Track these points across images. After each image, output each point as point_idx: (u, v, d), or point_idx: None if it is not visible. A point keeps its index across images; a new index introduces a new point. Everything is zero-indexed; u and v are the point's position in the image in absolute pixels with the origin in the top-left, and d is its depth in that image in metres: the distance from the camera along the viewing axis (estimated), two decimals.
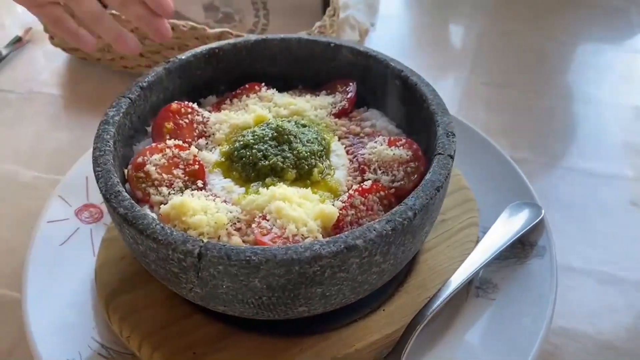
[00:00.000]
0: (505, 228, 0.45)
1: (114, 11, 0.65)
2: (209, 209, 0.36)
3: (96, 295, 0.42)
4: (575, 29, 0.80)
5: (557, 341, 0.44)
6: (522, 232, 0.45)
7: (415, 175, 0.39)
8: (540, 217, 0.46)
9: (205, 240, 0.32)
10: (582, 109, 0.67)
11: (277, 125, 0.41)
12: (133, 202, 0.34)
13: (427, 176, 0.36)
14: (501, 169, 0.52)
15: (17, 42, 0.76)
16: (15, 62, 0.75)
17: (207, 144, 0.43)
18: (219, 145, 0.42)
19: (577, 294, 0.47)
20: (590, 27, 0.81)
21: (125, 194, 0.35)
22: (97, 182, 0.36)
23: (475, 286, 0.44)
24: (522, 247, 0.46)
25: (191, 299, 0.36)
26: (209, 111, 0.46)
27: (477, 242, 0.45)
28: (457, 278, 0.41)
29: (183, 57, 0.46)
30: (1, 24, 0.84)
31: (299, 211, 0.35)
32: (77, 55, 0.72)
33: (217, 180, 0.40)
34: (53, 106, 0.68)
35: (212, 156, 0.41)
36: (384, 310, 0.40)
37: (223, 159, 0.41)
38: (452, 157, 0.37)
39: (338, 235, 0.32)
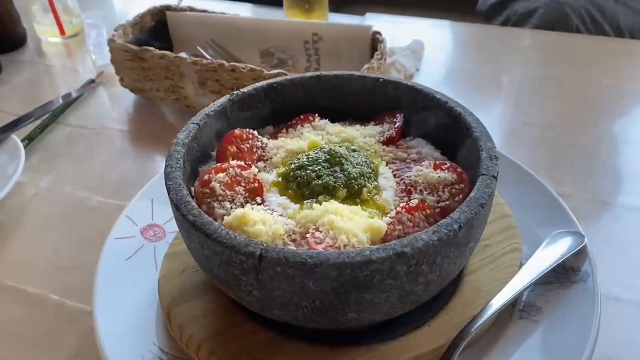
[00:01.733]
0: (548, 254, 0.47)
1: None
2: (267, 220, 0.39)
3: (158, 304, 0.46)
4: (618, 74, 0.82)
5: None
6: (564, 258, 0.46)
7: (460, 196, 0.41)
8: (583, 244, 0.47)
9: (265, 244, 0.35)
10: (624, 149, 0.68)
11: (330, 149, 0.44)
12: (201, 210, 0.38)
13: (472, 194, 0.38)
14: (544, 200, 0.53)
15: (90, 84, 0.84)
16: (89, 102, 0.82)
17: (265, 166, 0.47)
18: (275, 167, 0.46)
19: (620, 322, 0.47)
20: (632, 72, 0.82)
21: (194, 204, 0.38)
22: (169, 193, 0.40)
23: (518, 309, 0.45)
24: (565, 272, 0.47)
25: (248, 304, 0.39)
26: (267, 139, 0.50)
27: (521, 266, 0.46)
28: (501, 299, 0.42)
29: (245, 91, 0.50)
30: (75, 70, 0.93)
31: (349, 224, 0.38)
32: (144, 95, 0.79)
33: (274, 198, 0.43)
34: (120, 140, 0.75)
35: (269, 177, 0.45)
36: (429, 326, 0.42)
37: (279, 179, 0.45)
38: (495, 177, 0.40)
39: (387, 243, 0.35)
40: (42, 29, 0.98)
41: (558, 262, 0.46)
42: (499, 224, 0.50)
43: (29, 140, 0.72)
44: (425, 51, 0.87)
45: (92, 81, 0.85)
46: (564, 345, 0.41)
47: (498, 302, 0.42)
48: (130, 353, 0.42)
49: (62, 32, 0.98)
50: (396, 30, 0.92)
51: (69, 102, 0.80)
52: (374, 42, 0.72)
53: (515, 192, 0.54)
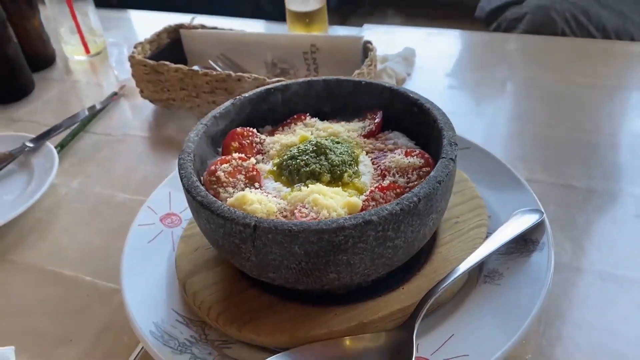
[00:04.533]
0: (510, 228, 0.54)
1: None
2: (263, 200, 0.47)
3: (175, 277, 0.54)
4: (594, 73, 0.88)
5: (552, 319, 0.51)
6: (524, 230, 0.53)
7: (426, 177, 0.49)
8: (541, 219, 0.54)
9: (258, 217, 0.43)
10: (594, 139, 0.75)
11: (317, 142, 0.52)
12: (207, 193, 0.46)
13: (432, 173, 0.45)
14: (512, 185, 0.60)
15: (114, 96, 0.93)
16: (112, 112, 0.91)
17: (262, 158, 0.55)
18: (271, 159, 0.54)
19: (573, 287, 0.54)
20: (609, 71, 0.89)
21: (202, 188, 0.47)
22: (181, 180, 0.48)
23: (484, 275, 0.52)
24: (525, 243, 0.53)
25: (248, 270, 0.47)
26: (266, 135, 0.58)
27: (486, 238, 0.53)
28: (465, 265, 0.50)
29: (246, 96, 0.59)
30: (100, 84, 1.02)
31: (330, 201, 0.46)
32: (162, 105, 0.88)
33: (270, 184, 0.51)
34: (141, 145, 0.84)
35: (266, 167, 0.53)
36: (403, 288, 0.49)
37: (274, 169, 0.53)
38: (453, 160, 0.47)
39: (358, 213, 0.42)
40: (69, 49, 1.08)
41: (518, 235, 0.53)
42: (469, 205, 0.57)
43: (60, 147, 0.81)
44: (417, 58, 0.95)
45: (114, 94, 0.94)
46: (518, 303, 0.48)
47: (462, 267, 0.49)
48: (152, 315, 0.50)
49: (87, 51, 1.07)
50: (390, 39, 1.00)
51: (95, 113, 0.89)
52: (365, 50, 0.80)
53: (488, 178, 0.61)
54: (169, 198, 0.63)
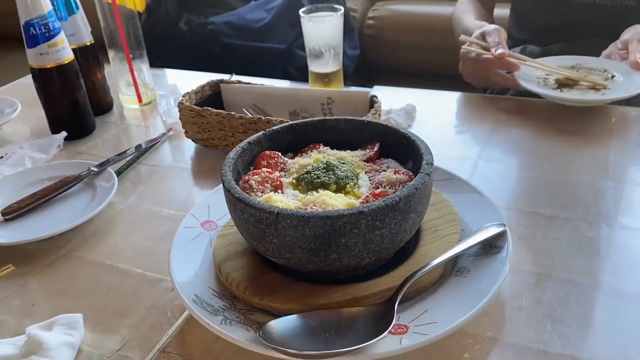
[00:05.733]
0: (478, 235, 0.68)
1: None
2: (284, 200, 0.62)
3: (212, 264, 0.68)
4: (568, 128, 1.04)
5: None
6: (489, 237, 0.67)
7: None
8: (503, 230, 0.68)
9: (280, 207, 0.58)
10: (559, 178, 0.89)
11: (327, 161, 0.68)
12: (243, 192, 0.61)
13: (411, 183, 0.61)
14: (485, 207, 0.74)
15: (160, 137, 1.12)
16: (161, 149, 1.09)
17: (285, 174, 0.70)
18: (292, 175, 0.70)
19: (521, 281, 0.68)
20: (579, 126, 1.04)
21: (239, 188, 0.62)
22: (223, 184, 0.63)
23: (455, 270, 0.65)
24: (490, 248, 0.67)
25: (270, 253, 0.61)
26: (288, 159, 0.74)
27: (458, 243, 0.67)
28: (439, 259, 0.63)
29: (274, 128, 0.75)
30: (148, 127, 1.21)
31: (335, 202, 0.61)
32: (202, 143, 1.05)
33: (289, 191, 0.66)
34: (185, 174, 1.00)
35: (287, 180, 0.69)
36: (390, 275, 0.63)
37: (294, 181, 0.68)
38: (428, 174, 0.62)
39: (355, 207, 0.57)
40: (125, 98, 1.28)
41: (484, 240, 0.67)
42: (446, 218, 0.71)
43: (117, 173, 0.98)
44: (417, 113, 1.12)
45: (162, 134, 1.12)
46: (479, 289, 0.61)
47: (437, 261, 0.63)
48: (194, 290, 0.64)
49: (140, 100, 1.27)
50: (396, 97, 1.17)
51: (146, 149, 1.07)
52: (372, 102, 0.97)
53: (467, 203, 0.75)
54: (208, 209, 0.79)
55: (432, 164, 0.64)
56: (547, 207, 0.82)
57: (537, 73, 1.16)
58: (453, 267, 0.66)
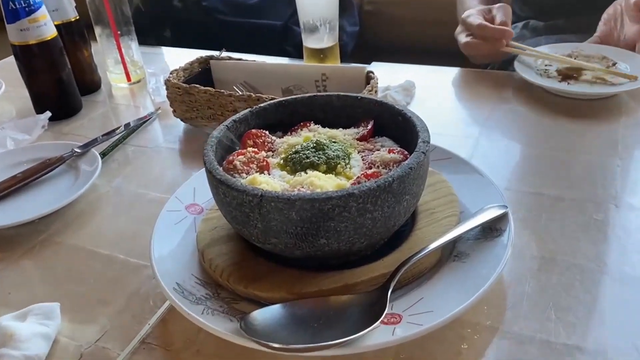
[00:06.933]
0: (478, 218, 0.64)
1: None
2: (269, 182, 0.58)
3: (195, 249, 0.64)
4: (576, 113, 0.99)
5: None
6: (490, 220, 0.63)
7: None
8: (505, 211, 0.64)
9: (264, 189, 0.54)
10: (565, 157, 0.85)
11: (317, 140, 0.63)
12: (225, 173, 0.57)
13: (405, 162, 0.56)
14: (487, 188, 0.70)
15: (148, 116, 1.07)
16: (148, 129, 1.05)
17: (272, 154, 0.66)
18: (279, 155, 0.66)
19: (524, 265, 0.64)
20: (581, 105, 0.99)
21: (221, 169, 0.58)
22: (205, 164, 0.59)
23: (454, 255, 0.61)
24: (491, 231, 0.63)
25: (255, 238, 0.57)
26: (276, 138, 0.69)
27: (456, 226, 0.63)
28: (436, 243, 0.59)
29: (261, 105, 0.71)
30: (137, 107, 1.16)
31: (324, 183, 0.57)
32: (191, 123, 1.01)
33: (277, 172, 0.62)
34: (172, 155, 0.96)
35: (274, 160, 0.64)
36: (383, 260, 0.59)
37: (281, 162, 0.64)
38: (424, 153, 0.58)
39: (344, 188, 0.53)
40: (113, 77, 1.24)
41: (484, 223, 0.63)
42: (444, 199, 0.67)
43: (103, 155, 0.94)
44: (416, 90, 1.07)
45: (151, 113, 1.08)
46: (479, 274, 0.57)
47: (433, 245, 0.59)
48: (175, 277, 0.61)
49: (128, 79, 1.22)
50: (394, 74, 1.12)
51: (133, 129, 1.03)
52: (368, 79, 0.92)
53: (467, 184, 0.71)
54: (193, 192, 0.75)
55: (429, 142, 0.60)
56: (552, 187, 0.78)
57: (537, 63, 1.10)
58: (451, 252, 0.62)
